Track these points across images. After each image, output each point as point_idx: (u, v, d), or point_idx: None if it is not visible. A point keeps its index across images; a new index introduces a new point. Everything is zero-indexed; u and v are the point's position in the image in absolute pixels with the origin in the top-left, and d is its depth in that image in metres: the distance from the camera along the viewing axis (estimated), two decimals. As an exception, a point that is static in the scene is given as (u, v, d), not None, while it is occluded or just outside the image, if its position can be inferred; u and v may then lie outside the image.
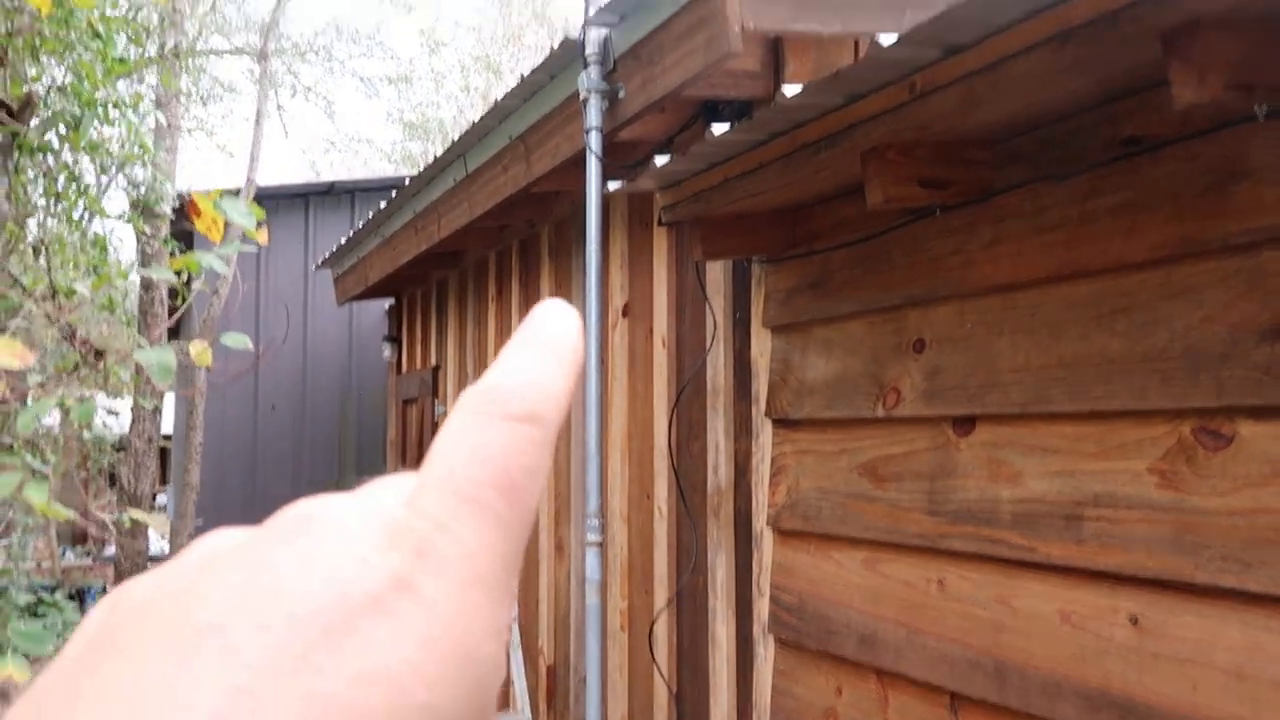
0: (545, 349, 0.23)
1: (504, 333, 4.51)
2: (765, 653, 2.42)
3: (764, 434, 2.46)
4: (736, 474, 2.63)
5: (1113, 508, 1.57)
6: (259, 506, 4.90)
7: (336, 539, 0.19)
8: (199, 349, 2.06)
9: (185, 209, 2.16)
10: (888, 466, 2.06)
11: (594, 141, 2.54)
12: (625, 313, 3.30)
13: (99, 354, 2.49)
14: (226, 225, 1.89)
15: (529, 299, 4.20)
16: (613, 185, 2.44)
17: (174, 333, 8.49)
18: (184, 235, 6.96)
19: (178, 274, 2.14)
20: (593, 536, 2.80)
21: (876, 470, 2.09)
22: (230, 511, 7.50)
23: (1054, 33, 1.31)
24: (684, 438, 2.89)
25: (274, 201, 7.77)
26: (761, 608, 2.43)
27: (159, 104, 5.98)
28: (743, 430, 2.60)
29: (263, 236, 1.94)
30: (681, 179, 2.19)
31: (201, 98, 9.69)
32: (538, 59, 3.04)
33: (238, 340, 1.96)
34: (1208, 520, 1.42)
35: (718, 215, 2.28)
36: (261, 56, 8.57)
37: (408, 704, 0.18)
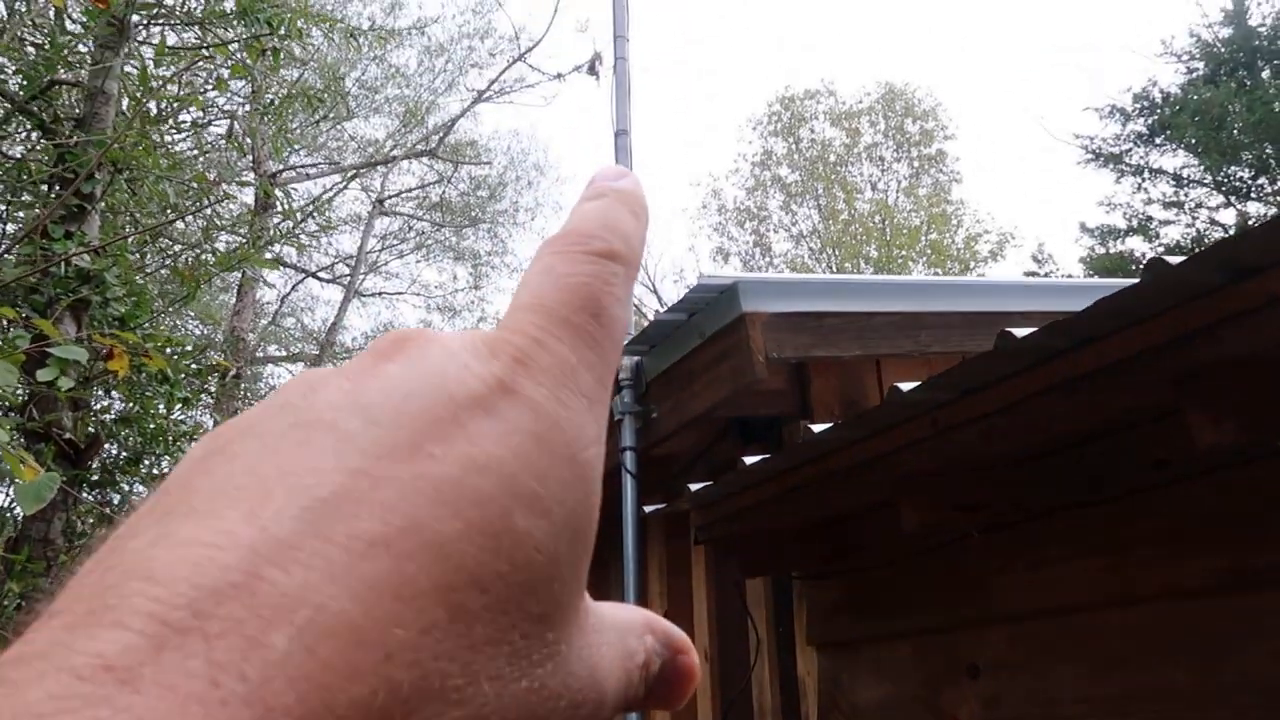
0: (615, 198, 0.24)
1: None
2: None
3: (818, 762, 2.30)
4: (792, 805, 2.44)
5: None
6: None
7: (436, 351, 0.20)
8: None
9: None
10: (955, 806, 1.91)
11: (629, 460, 2.61)
12: (666, 623, 3.21)
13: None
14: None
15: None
16: (649, 508, 2.47)
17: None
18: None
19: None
20: None
21: (944, 809, 1.93)
22: None
23: (1065, 378, 1.36)
24: (733, 763, 2.71)
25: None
26: None
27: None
28: (796, 756, 2.44)
29: None
30: (715, 500, 2.22)
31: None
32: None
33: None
34: None
35: (753, 532, 2.27)
36: (316, 364, 9.08)
37: (518, 492, 0.18)
